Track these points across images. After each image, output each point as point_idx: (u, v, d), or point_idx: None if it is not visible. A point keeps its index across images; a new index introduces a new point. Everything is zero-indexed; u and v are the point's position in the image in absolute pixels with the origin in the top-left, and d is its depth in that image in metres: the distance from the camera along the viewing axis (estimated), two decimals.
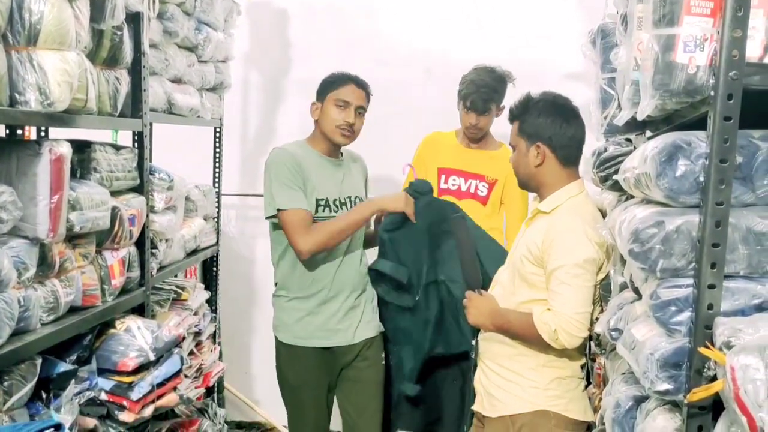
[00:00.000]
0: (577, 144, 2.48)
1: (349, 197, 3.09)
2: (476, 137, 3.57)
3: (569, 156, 2.48)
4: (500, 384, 2.51)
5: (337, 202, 3.05)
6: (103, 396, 2.47)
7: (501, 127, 3.50)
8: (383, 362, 3.16)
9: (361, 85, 3.07)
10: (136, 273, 2.82)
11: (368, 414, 3.13)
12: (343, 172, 3.11)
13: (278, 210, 2.92)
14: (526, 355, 2.46)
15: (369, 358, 3.12)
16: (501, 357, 2.52)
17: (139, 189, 2.86)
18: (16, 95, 2.01)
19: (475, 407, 2.63)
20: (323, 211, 3.00)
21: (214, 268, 4.16)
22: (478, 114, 3.47)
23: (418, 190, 3.05)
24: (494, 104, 3.50)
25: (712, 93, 1.57)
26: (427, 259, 3.01)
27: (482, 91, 3.44)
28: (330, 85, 3.05)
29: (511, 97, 3.51)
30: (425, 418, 3.16)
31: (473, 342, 2.67)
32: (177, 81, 3.37)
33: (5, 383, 2.01)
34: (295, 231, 2.90)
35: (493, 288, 2.64)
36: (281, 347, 3.15)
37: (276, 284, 3.17)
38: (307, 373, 3.09)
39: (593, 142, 2.51)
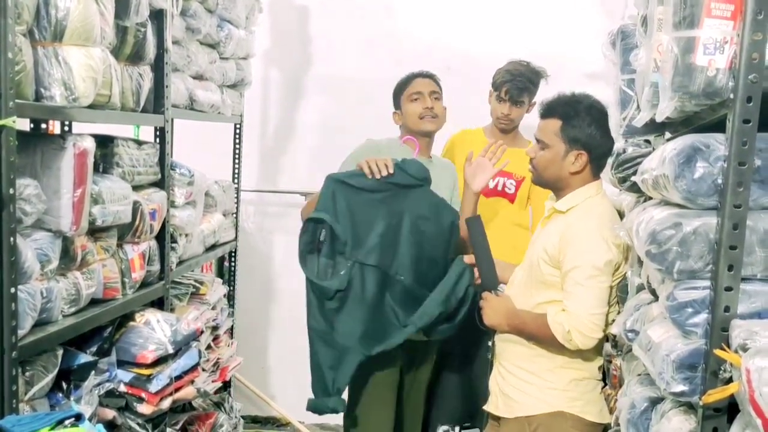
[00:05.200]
0: (608, 155, 2.48)
1: None
2: (507, 129, 3.55)
3: (601, 166, 2.47)
4: (517, 385, 2.50)
5: None
6: (122, 388, 2.49)
7: (527, 118, 3.52)
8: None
9: (426, 75, 3.17)
10: (156, 267, 2.85)
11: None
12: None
13: None
14: (544, 356, 2.45)
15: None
16: (518, 358, 2.51)
17: (160, 184, 2.89)
18: (42, 90, 2.04)
19: (487, 407, 2.62)
20: None
21: (233, 263, 4.19)
22: (512, 104, 3.48)
23: (407, 169, 2.80)
24: (528, 96, 3.50)
25: (732, 96, 1.57)
26: (377, 240, 2.75)
27: (518, 80, 3.45)
28: (400, 89, 3.16)
29: (539, 95, 3.55)
30: (463, 410, 3.16)
31: (489, 343, 2.67)
32: (199, 77, 3.39)
33: (27, 373, 2.04)
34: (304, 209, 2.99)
35: (509, 288, 2.63)
36: None
37: None
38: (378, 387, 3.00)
39: None
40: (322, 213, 2.75)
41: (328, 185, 2.79)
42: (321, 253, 2.78)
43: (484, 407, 2.64)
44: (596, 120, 2.41)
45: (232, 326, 4.07)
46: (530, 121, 3.44)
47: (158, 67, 2.82)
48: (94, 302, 2.42)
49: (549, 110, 2.48)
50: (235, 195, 4.09)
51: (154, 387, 2.54)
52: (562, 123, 2.42)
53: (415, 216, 2.82)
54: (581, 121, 2.41)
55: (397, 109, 3.19)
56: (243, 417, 4.13)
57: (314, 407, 2.82)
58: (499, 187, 3.57)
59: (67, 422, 1.69)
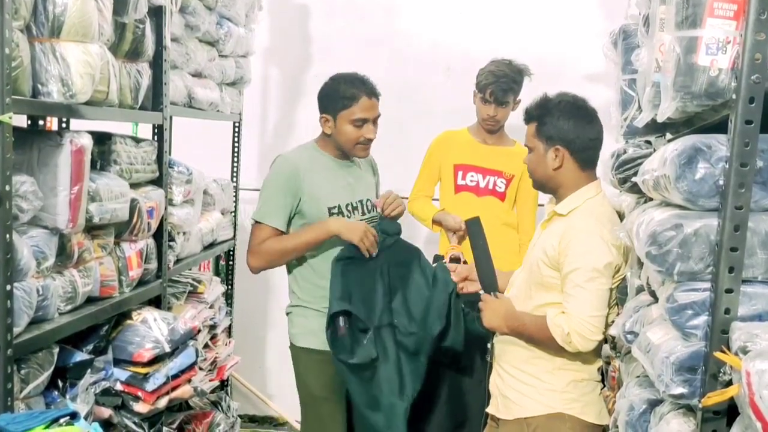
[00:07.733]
0: (597, 146, 2.47)
1: (361, 201, 2.97)
2: (493, 129, 3.57)
3: (588, 158, 2.46)
4: (516, 387, 2.49)
5: (350, 207, 2.94)
6: (119, 386, 2.49)
7: (513, 118, 3.51)
8: None
9: (373, 92, 2.86)
10: (153, 265, 2.84)
11: None
12: (355, 174, 3.00)
13: (253, 219, 2.92)
14: (542, 358, 2.45)
15: None
16: (517, 360, 2.50)
17: (158, 182, 2.88)
18: (39, 86, 2.03)
19: (489, 409, 2.62)
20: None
21: (231, 262, 4.18)
22: (497, 105, 3.49)
23: (387, 230, 2.89)
24: (512, 96, 3.52)
25: (734, 96, 1.56)
26: (381, 300, 2.83)
27: (501, 81, 3.46)
28: (340, 102, 2.83)
29: (529, 94, 3.53)
30: (452, 421, 3.14)
31: (488, 345, 2.67)
32: (197, 75, 3.38)
33: (22, 371, 2.03)
34: (251, 245, 2.92)
35: (509, 290, 2.63)
36: (304, 355, 2.96)
37: (293, 293, 3.04)
38: (335, 383, 2.88)
39: (612, 143, 2.49)
40: (342, 304, 2.77)
41: (336, 269, 2.81)
42: (347, 336, 2.77)
43: (487, 409, 2.63)
44: (566, 113, 2.43)
45: (230, 325, 4.06)
46: (514, 120, 3.44)
47: (157, 65, 2.81)
48: (90, 300, 2.42)
49: (527, 116, 2.54)
50: (234, 193, 4.08)
51: (150, 386, 2.53)
52: (537, 124, 2.47)
53: (394, 264, 2.88)
54: (552, 117, 2.44)
55: (327, 114, 2.86)
56: (240, 416, 4.13)
57: None
58: (490, 186, 3.58)
59: (62, 420, 1.68)
